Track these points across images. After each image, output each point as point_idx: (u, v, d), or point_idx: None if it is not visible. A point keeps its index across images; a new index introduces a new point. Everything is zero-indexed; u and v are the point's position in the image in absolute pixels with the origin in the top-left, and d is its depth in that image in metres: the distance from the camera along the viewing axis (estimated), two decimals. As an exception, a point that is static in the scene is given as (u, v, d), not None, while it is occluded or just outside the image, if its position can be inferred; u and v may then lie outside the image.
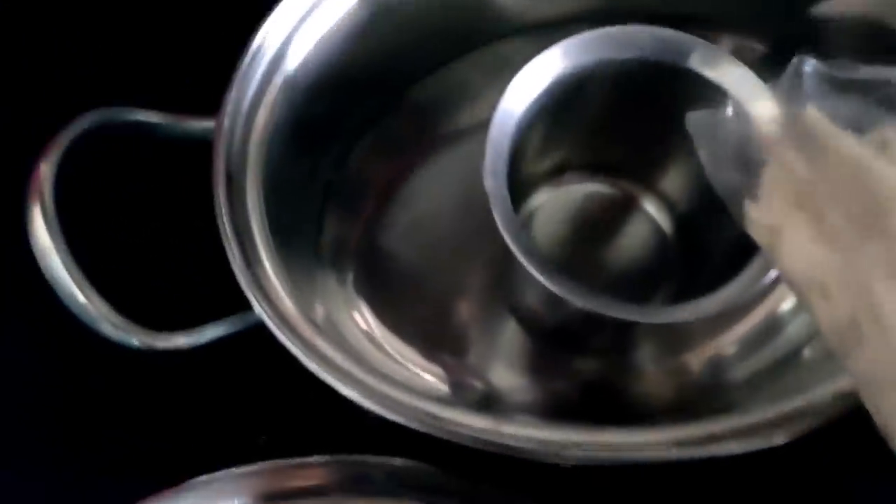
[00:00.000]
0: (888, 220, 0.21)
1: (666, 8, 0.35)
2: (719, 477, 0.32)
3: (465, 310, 0.37)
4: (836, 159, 0.23)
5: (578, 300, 0.29)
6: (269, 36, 0.33)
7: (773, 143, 0.25)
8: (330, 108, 0.36)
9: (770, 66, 0.31)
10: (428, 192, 0.39)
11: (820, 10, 0.36)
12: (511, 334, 0.36)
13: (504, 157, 0.31)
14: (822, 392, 0.27)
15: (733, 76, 0.31)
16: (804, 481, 0.33)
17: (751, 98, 0.31)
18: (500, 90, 0.31)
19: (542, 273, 0.29)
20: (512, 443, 0.26)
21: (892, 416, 0.21)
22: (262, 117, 0.32)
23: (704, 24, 0.35)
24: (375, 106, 0.38)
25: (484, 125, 0.31)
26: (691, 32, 0.36)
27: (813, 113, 0.24)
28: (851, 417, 0.25)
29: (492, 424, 0.27)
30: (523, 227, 0.34)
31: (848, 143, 0.22)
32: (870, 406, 0.21)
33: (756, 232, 0.25)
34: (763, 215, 0.24)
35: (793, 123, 0.24)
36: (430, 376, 0.35)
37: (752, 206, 0.25)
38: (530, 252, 0.29)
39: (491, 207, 0.29)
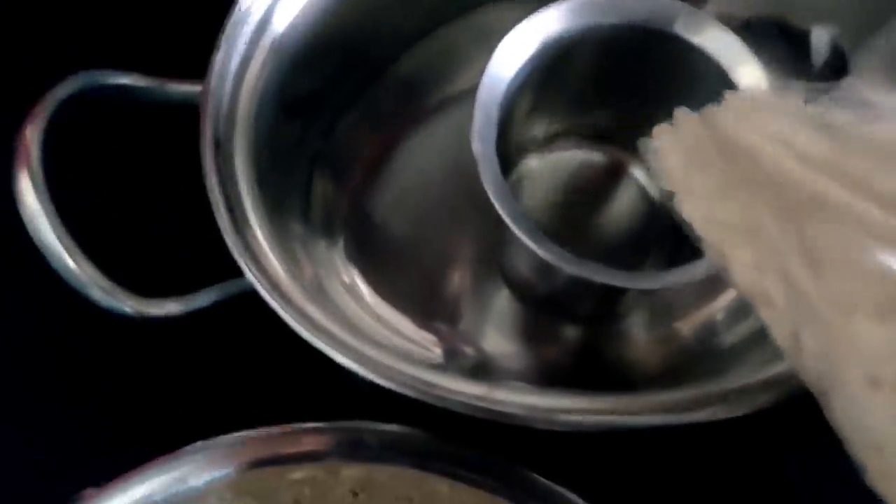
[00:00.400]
0: (800, 212, 0.21)
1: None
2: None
3: (456, 278, 0.37)
4: (755, 163, 0.23)
5: (567, 266, 0.29)
6: (245, 20, 0.32)
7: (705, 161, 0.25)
8: (317, 75, 0.36)
9: (751, 35, 0.31)
10: (418, 161, 0.39)
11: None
12: (503, 302, 0.37)
13: (493, 122, 0.30)
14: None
15: (719, 42, 0.31)
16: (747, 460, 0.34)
17: (736, 63, 0.31)
18: (487, 57, 0.31)
19: (531, 239, 0.29)
20: (501, 409, 0.26)
21: (843, 420, 0.19)
22: (249, 81, 0.32)
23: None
24: (363, 73, 0.38)
25: (471, 93, 0.31)
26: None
27: (724, 117, 0.24)
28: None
29: (484, 391, 0.27)
30: (512, 192, 0.34)
31: (758, 144, 0.23)
32: (827, 414, 0.20)
33: (709, 255, 0.24)
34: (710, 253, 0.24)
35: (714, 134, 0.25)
36: (422, 343, 0.35)
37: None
38: (519, 217, 0.29)
39: (479, 172, 0.29)
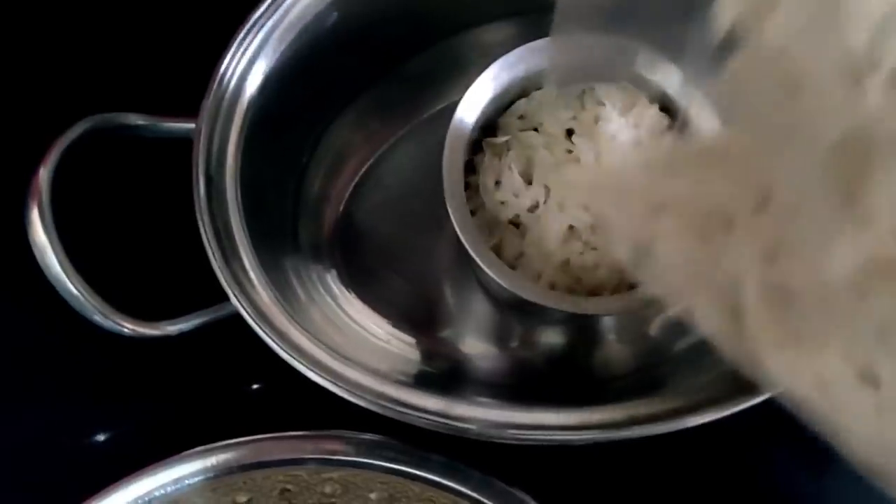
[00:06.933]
0: None
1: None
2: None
3: (436, 283, 0.39)
4: None
5: (533, 297, 0.32)
6: (235, 59, 0.35)
7: None
8: (302, 106, 0.38)
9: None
10: (399, 171, 0.41)
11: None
12: (479, 305, 0.39)
13: (460, 160, 0.33)
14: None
15: (674, 81, 0.33)
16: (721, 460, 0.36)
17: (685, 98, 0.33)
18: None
19: (497, 274, 0.32)
20: (458, 423, 0.30)
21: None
22: (237, 120, 0.34)
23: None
24: (349, 93, 0.41)
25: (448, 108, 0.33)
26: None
27: None
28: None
29: (443, 406, 0.30)
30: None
31: None
32: None
33: None
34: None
35: None
36: (403, 346, 0.38)
37: None
38: (485, 254, 0.32)
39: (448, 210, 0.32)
